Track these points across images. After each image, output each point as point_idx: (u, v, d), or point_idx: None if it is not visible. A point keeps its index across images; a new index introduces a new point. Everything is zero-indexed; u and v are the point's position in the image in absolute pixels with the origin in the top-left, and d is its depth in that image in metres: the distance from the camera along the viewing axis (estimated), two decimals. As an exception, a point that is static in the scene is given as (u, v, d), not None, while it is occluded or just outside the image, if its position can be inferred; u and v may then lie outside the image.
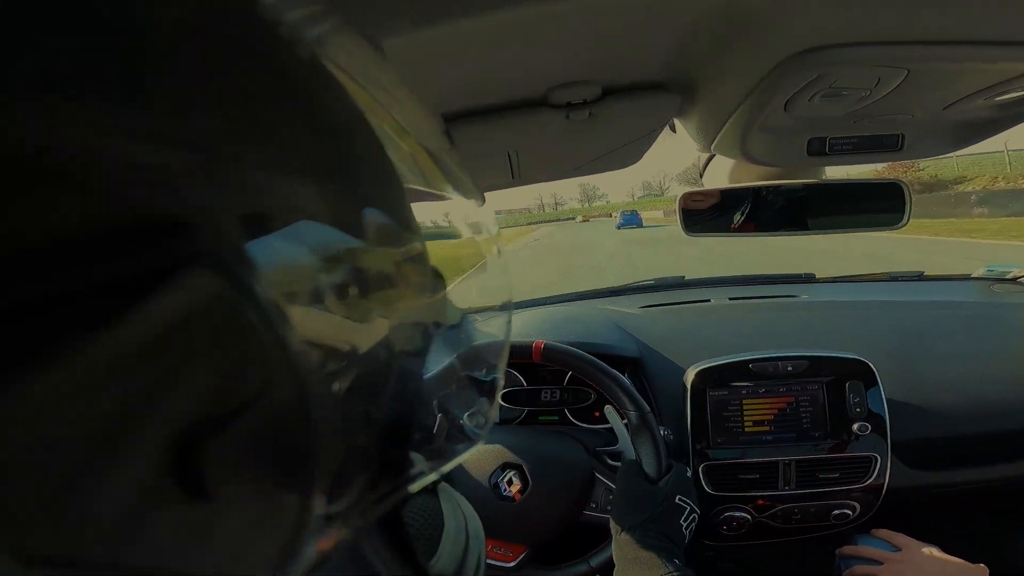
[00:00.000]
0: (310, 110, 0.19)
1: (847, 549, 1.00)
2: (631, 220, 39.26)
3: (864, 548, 0.96)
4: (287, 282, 0.16)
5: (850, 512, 1.06)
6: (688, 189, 0.95)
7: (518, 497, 0.89)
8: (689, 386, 1.08)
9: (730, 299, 1.49)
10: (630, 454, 0.88)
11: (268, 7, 0.17)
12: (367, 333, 0.20)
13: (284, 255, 0.17)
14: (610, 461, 0.97)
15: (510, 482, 0.91)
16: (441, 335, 0.25)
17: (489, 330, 0.29)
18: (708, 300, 1.49)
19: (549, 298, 1.74)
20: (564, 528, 0.93)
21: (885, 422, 1.04)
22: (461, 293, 0.28)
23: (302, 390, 0.16)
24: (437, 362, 0.26)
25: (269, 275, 0.15)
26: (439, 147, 0.26)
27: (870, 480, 1.04)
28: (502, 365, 0.29)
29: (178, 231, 0.13)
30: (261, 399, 0.15)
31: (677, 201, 0.95)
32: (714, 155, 0.93)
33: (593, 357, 0.95)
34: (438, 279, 0.25)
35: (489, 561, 0.92)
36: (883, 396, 1.06)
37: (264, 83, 0.17)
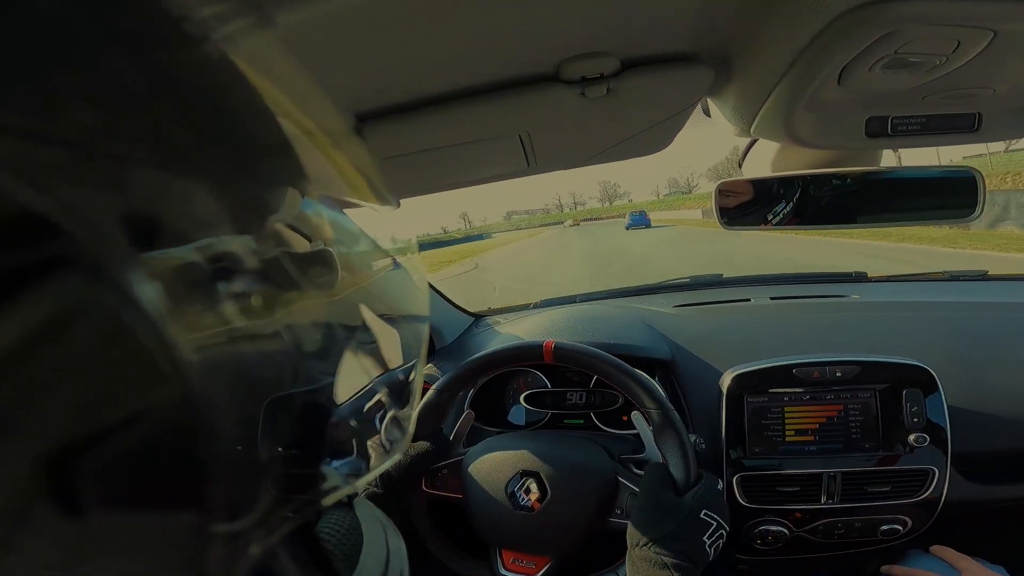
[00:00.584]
0: (205, 108, 0.18)
1: (895, 570, 0.92)
2: (639, 221, 39.87)
3: (915, 572, 0.88)
4: (173, 286, 0.15)
5: (900, 528, 0.98)
6: (724, 180, 0.85)
7: (537, 506, 0.83)
8: (725, 391, 1.01)
9: (772, 299, 1.38)
10: (657, 460, 0.82)
11: (169, 2, 0.17)
12: (266, 340, 0.19)
13: (170, 258, 0.16)
14: (635, 469, 0.90)
15: (528, 490, 0.85)
16: (350, 340, 0.24)
17: (405, 335, 0.28)
18: (748, 299, 1.38)
19: (577, 296, 1.67)
20: (588, 537, 0.86)
21: (946, 432, 0.95)
22: (372, 297, 0.26)
23: (190, 402, 0.16)
24: (347, 370, 0.24)
25: (152, 279, 0.15)
26: (350, 149, 0.25)
27: (925, 494, 0.96)
28: (419, 373, 0.28)
29: (46, 231, 0.13)
30: (142, 412, 0.15)
31: (712, 192, 0.85)
32: (755, 141, 0.84)
33: (610, 355, 0.88)
34: (345, 282, 0.24)
35: (511, 575, 0.87)
36: (944, 404, 0.96)
37: (153, 80, 0.16)
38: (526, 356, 0.91)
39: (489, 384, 1.25)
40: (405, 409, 0.28)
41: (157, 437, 0.15)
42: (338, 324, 0.24)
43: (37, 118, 0.13)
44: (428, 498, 0.91)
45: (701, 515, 0.74)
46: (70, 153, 0.14)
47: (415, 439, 0.93)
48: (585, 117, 0.63)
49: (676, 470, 0.78)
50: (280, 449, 0.21)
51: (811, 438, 0.99)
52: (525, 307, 1.70)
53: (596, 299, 1.64)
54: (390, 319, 0.27)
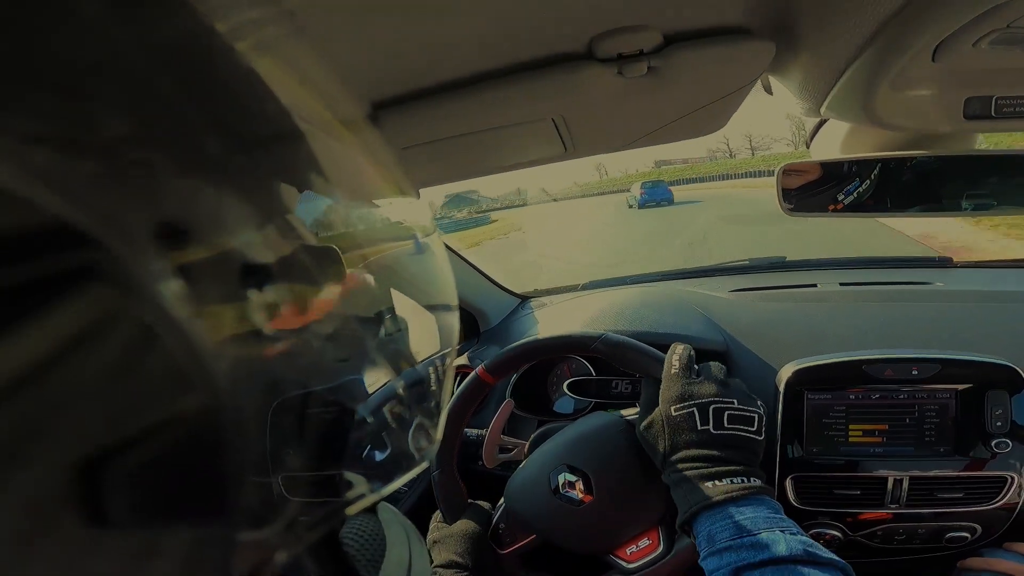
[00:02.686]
0: (232, 113, 0.18)
1: (973, 561, 0.86)
2: (657, 194, 25.70)
3: (997, 561, 0.83)
4: (203, 295, 0.15)
5: (968, 535, 0.90)
6: (790, 161, 0.76)
7: (587, 499, 0.77)
8: (783, 385, 0.93)
9: (841, 284, 1.25)
10: None
11: (197, 8, 0.16)
12: (294, 348, 0.19)
13: (201, 267, 0.15)
14: None
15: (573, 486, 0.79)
16: (376, 349, 0.24)
17: (433, 341, 0.27)
18: (814, 285, 1.26)
19: (628, 278, 1.59)
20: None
21: None
22: (400, 301, 0.26)
23: (218, 411, 0.16)
24: (374, 378, 0.24)
25: (182, 288, 0.15)
26: (372, 143, 0.24)
27: (1000, 501, 0.88)
28: (448, 381, 0.28)
29: (78, 241, 0.13)
30: (170, 420, 0.15)
31: (776, 175, 0.76)
32: (826, 120, 0.73)
33: (531, 339, 0.87)
34: (373, 288, 0.24)
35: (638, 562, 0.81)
36: None
37: (183, 87, 0.16)
38: (468, 391, 0.88)
39: (532, 371, 1.22)
40: (432, 416, 0.27)
41: (185, 445, 0.15)
42: (365, 332, 0.24)
43: (69, 128, 0.13)
44: (513, 558, 0.84)
45: (673, 413, 0.67)
46: (102, 162, 0.13)
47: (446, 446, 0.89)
48: (624, 98, 0.56)
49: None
50: (306, 457, 0.21)
51: (878, 439, 0.91)
52: (573, 288, 1.64)
53: (647, 281, 1.55)
54: (417, 322, 0.27)
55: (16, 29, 0.12)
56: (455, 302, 0.28)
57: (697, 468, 0.63)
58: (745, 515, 0.57)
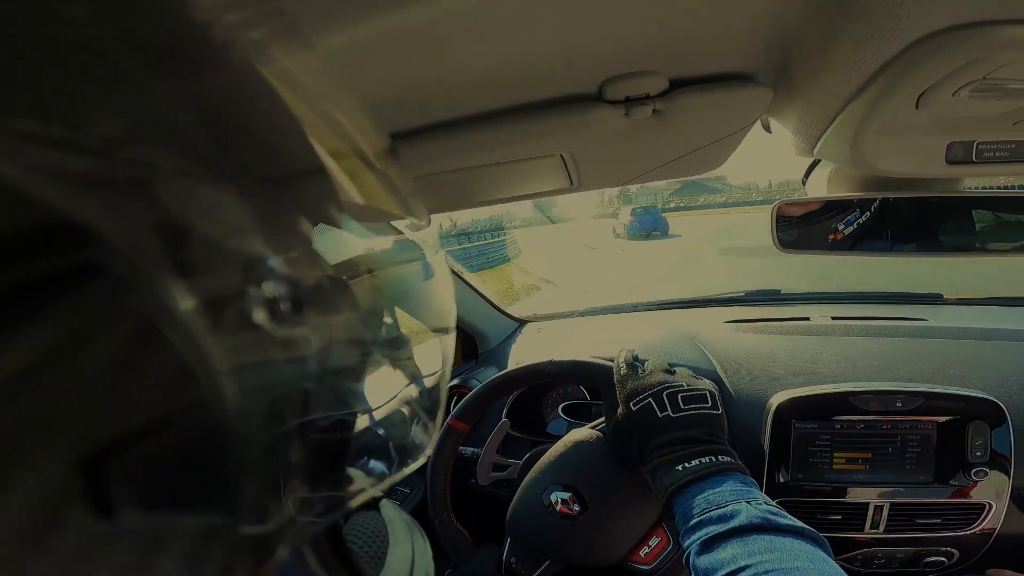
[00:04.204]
0: (234, 119, 0.18)
1: (1003, 573, 0.89)
2: (648, 223, 22.13)
3: None
4: (204, 292, 0.15)
5: (945, 560, 0.94)
6: (785, 198, 0.79)
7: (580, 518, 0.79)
8: (772, 414, 0.96)
9: (833, 319, 1.29)
10: None
11: (197, 8, 0.17)
12: (294, 346, 0.19)
13: (205, 266, 0.16)
14: None
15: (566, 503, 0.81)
16: (378, 347, 0.24)
17: (433, 343, 0.28)
18: (807, 318, 1.29)
19: (624, 306, 1.62)
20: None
21: (1010, 466, 0.91)
22: (402, 309, 0.27)
23: (221, 406, 0.16)
24: (375, 378, 0.24)
25: (183, 285, 0.15)
26: (383, 163, 0.25)
27: (978, 527, 0.92)
28: (445, 380, 0.29)
29: (77, 238, 0.13)
30: (174, 416, 0.15)
31: (771, 211, 0.80)
32: (819, 160, 0.77)
33: (494, 377, 0.93)
34: (375, 293, 0.24)
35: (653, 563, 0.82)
36: (1012, 437, 0.91)
37: (181, 90, 0.16)
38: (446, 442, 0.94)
39: (528, 393, 1.24)
40: (431, 413, 0.28)
41: (189, 440, 0.15)
42: (366, 332, 0.24)
43: (65, 127, 0.13)
44: None
45: (633, 409, 0.70)
46: (99, 161, 0.13)
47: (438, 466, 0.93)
48: (629, 137, 0.60)
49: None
50: (308, 452, 0.21)
51: (861, 467, 0.95)
52: (570, 314, 1.67)
53: (644, 310, 1.59)
54: (418, 328, 0.28)
55: (12, 28, 0.13)
56: (453, 321, 0.30)
57: (667, 454, 0.65)
58: (714, 490, 0.59)
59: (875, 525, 0.93)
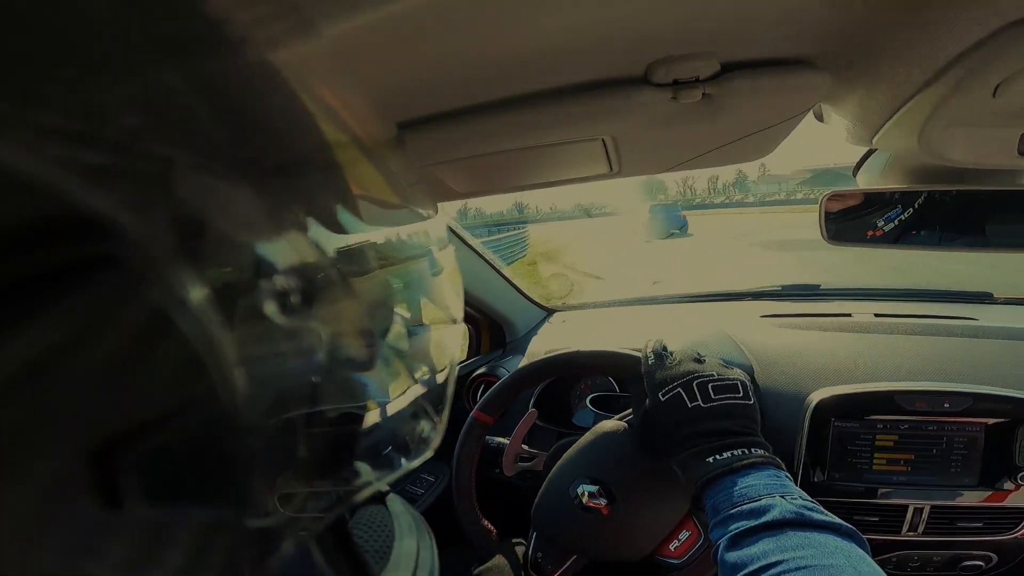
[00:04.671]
0: (250, 110, 0.18)
1: None
2: (668, 222, 21.17)
3: None
4: (218, 285, 0.16)
5: (983, 564, 0.93)
6: (835, 189, 0.76)
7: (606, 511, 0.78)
8: (810, 411, 0.94)
9: (876, 316, 1.24)
10: None
11: (209, 4, 0.17)
12: (307, 343, 0.19)
13: (219, 261, 0.16)
14: None
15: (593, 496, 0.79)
16: (385, 341, 0.24)
17: (440, 338, 0.29)
18: (848, 315, 1.25)
19: (656, 297, 1.59)
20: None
21: None
22: (409, 303, 0.27)
23: (231, 399, 0.16)
24: (382, 371, 0.24)
25: (198, 278, 0.15)
26: (390, 156, 0.26)
27: (1019, 532, 0.89)
28: (451, 375, 0.29)
29: (94, 229, 0.13)
30: (185, 408, 0.15)
31: (820, 202, 0.76)
32: (874, 149, 0.74)
33: (516, 370, 0.92)
34: (385, 289, 0.24)
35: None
36: None
37: (199, 82, 0.16)
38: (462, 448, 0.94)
39: (555, 383, 1.23)
40: (438, 407, 0.28)
41: (198, 432, 0.16)
42: (374, 325, 0.24)
43: (82, 121, 0.13)
44: None
45: (662, 399, 0.67)
46: (116, 154, 0.14)
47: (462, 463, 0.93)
48: (676, 122, 0.57)
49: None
50: (315, 445, 0.21)
51: (903, 468, 0.92)
52: (599, 304, 1.64)
53: (674, 301, 1.55)
54: (425, 321, 0.28)
55: (32, 21, 0.13)
56: (460, 314, 0.30)
57: (697, 445, 0.63)
58: (746, 483, 0.57)
59: (913, 527, 0.91)
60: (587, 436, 0.84)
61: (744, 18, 0.43)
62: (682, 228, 21.82)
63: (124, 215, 0.13)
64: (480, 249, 1.38)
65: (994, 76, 0.40)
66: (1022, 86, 0.42)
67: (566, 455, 0.84)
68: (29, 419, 0.12)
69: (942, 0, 0.36)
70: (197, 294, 0.15)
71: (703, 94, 0.51)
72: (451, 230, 1.28)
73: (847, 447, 0.93)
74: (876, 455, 0.93)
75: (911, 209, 0.75)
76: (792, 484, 0.58)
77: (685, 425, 0.65)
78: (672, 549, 0.76)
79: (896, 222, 0.77)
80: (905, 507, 0.90)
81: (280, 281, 0.18)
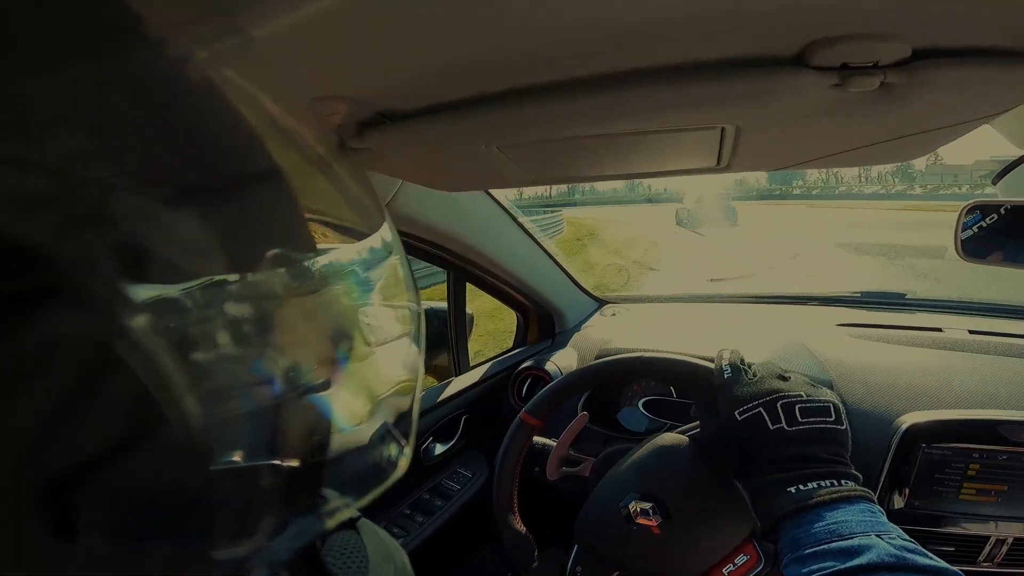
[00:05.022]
0: (194, 134, 0.18)
1: None
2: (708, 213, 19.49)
3: None
4: (163, 315, 0.15)
5: None
6: (979, 200, 0.65)
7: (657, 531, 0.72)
8: (899, 434, 0.88)
9: (971, 332, 1.12)
10: None
11: (151, 24, 0.16)
12: (263, 368, 0.19)
13: (163, 288, 0.16)
14: None
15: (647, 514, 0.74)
16: (344, 366, 0.23)
17: (402, 358, 0.27)
18: (939, 329, 1.14)
19: (715, 295, 1.48)
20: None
21: None
22: (370, 320, 0.26)
23: (186, 431, 0.15)
24: (345, 395, 0.23)
25: (142, 308, 0.15)
26: (335, 165, 0.25)
27: None
28: (417, 390, 0.28)
29: (31, 261, 0.13)
30: (136, 439, 0.15)
31: (959, 212, 0.66)
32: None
33: (579, 371, 0.85)
34: (337, 307, 0.24)
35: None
36: None
37: (139, 105, 0.16)
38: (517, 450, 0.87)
39: (606, 386, 1.16)
40: (403, 428, 0.27)
41: (154, 464, 0.15)
42: (329, 346, 0.23)
43: (15, 145, 0.13)
44: None
45: (739, 418, 0.61)
46: (52, 180, 0.13)
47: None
48: (832, 113, 0.47)
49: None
50: (279, 474, 0.20)
51: (993, 499, 0.87)
52: (655, 298, 1.55)
53: (738, 301, 1.45)
54: (381, 338, 0.27)
55: None
56: (419, 327, 0.29)
57: (778, 473, 0.56)
58: (836, 518, 0.50)
59: (990, 559, 0.86)
60: (644, 448, 0.78)
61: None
62: (731, 219, 20.56)
63: (60, 245, 0.13)
64: (533, 232, 1.29)
65: None
66: None
67: (617, 466, 0.79)
68: None
69: None
70: (141, 323, 0.14)
71: (882, 83, 0.41)
72: (503, 207, 1.19)
73: (935, 475, 0.88)
74: (966, 484, 0.87)
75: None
76: (889, 522, 0.51)
77: (765, 449, 0.58)
78: (726, 573, 0.70)
79: None
80: (987, 538, 0.85)
81: (230, 309, 0.17)
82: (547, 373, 1.26)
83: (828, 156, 0.57)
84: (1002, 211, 0.67)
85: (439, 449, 1.19)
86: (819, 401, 0.60)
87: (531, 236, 1.27)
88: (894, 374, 1.00)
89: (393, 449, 0.27)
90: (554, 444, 0.91)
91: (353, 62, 0.44)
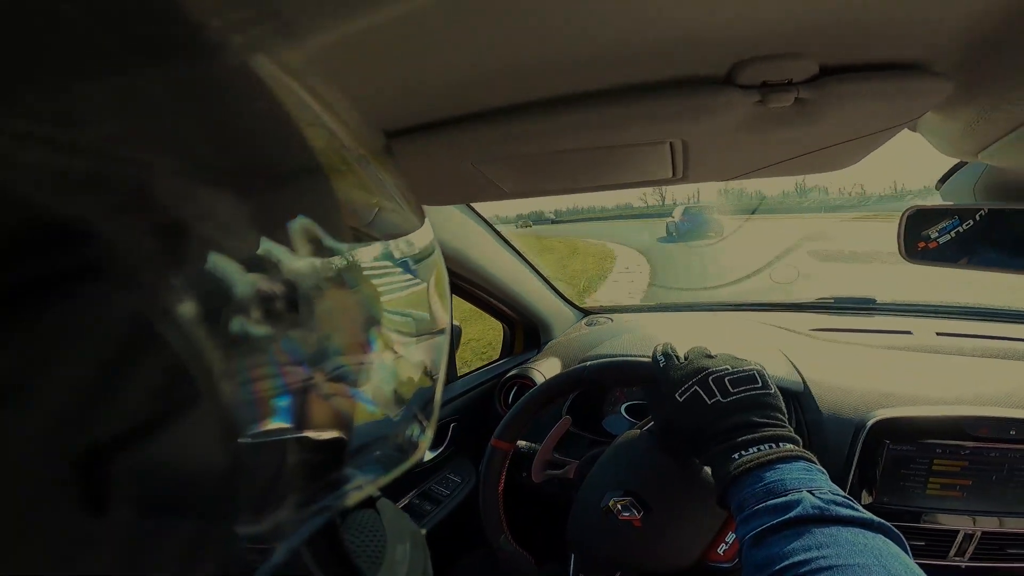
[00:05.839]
0: (232, 117, 0.18)
1: None
2: (700, 225, 20.32)
3: None
4: (202, 293, 0.15)
5: None
6: (918, 204, 0.69)
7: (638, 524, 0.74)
8: (865, 432, 0.92)
9: (938, 334, 1.17)
10: None
11: (189, 8, 0.17)
12: (293, 348, 0.19)
13: (201, 267, 0.16)
14: None
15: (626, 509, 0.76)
16: (374, 347, 0.24)
17: (426, 347, 0.28)
18: (909, 332, 1.18)
19: (696, 304, 1.53)
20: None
21: None
22: (396, 310, 0.26)
23: (218, 408, 0.16)
24: (370, 376, 0.24)
25: (182, 287, 0.15)
26: (379, 162, 0.26)
27: None
28: (440, 379, 0.29)
29: (73, 238, 0.13)
30: (171, 416, 0.15)
31: (901, 217, 0.70)
32: (964, 162, 0.67)
33: (531, 393, 0.86)
34: (371, 294, 0.24)
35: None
36: None
37: (176, 89, 0.16)
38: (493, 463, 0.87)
39: (588, 391, 1.20)
40: (426, 412, 0.28)
41: (183, 441, 0.15)
42: (362, 332, 0.23)
43: (60, 127, 0.13)
44: None
45: (679, 400, 0.64)
46: (95, 161, 0.13)
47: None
48: (760, 127, 0.52)
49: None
50: (304, 452, 0.20)
51: (957, 494, 0.91)
52: (638, 308, 1.59)
53: (718, 309, 1.49)
54: (413, 329, 0.27)
55: (5, 26, 0.12)
56: (446, 324, 0.30)
57: (724, 442, 0.59)
58: (773, 478, 0.53)
59: (961, 552, 0.90)
60: (609, 448, 0.81)
61: (851, 18, 0.38)
62: (711, 229, 20.46)
63: (103, 223, 0.13)
64: (518, 247, 1.33)
65: None
66: None
67: (592, 470, 0.81)
68: (10, 429, 0.12)
69: None
70: (180, 303, 0.15)
71: (796, 98, 0.46)
72: (488, 224, 1.24)
73: (900, 470, 0.91)
74: (932, 479, 0.91)
75: (1008, 237, 0.68)
76: (824, 478, 0.53)
77: (708, 424, 0.61)
78: (721, 553, 0.72)
79: (989, 254, 0.71)
80: (955, 532, 0.89)
81: (266, 289, 0.18)
82: (532, 381, 1.29)
83: (770, 166, 0.61)
84: (978, 217, 0.71)
85: (429, 455, 1.23)
86: (744, 371, 0.63)
87: (514, 249, 1.32)
88: (865, 376, 1.04)
89: (415, 431, 0.27)
90: (539, 448, 0.94)
91: (343, 88, 0.49)
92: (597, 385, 0.82)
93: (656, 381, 0.69)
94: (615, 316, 1.53)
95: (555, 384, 0.86)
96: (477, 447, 1.26)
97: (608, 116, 0.53)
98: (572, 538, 0.79)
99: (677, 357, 0.70)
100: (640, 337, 1.29)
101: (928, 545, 0.90)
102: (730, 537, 0.72)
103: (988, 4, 0.35)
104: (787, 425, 0.60)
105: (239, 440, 0.17)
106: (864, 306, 1.37)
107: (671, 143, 0.59)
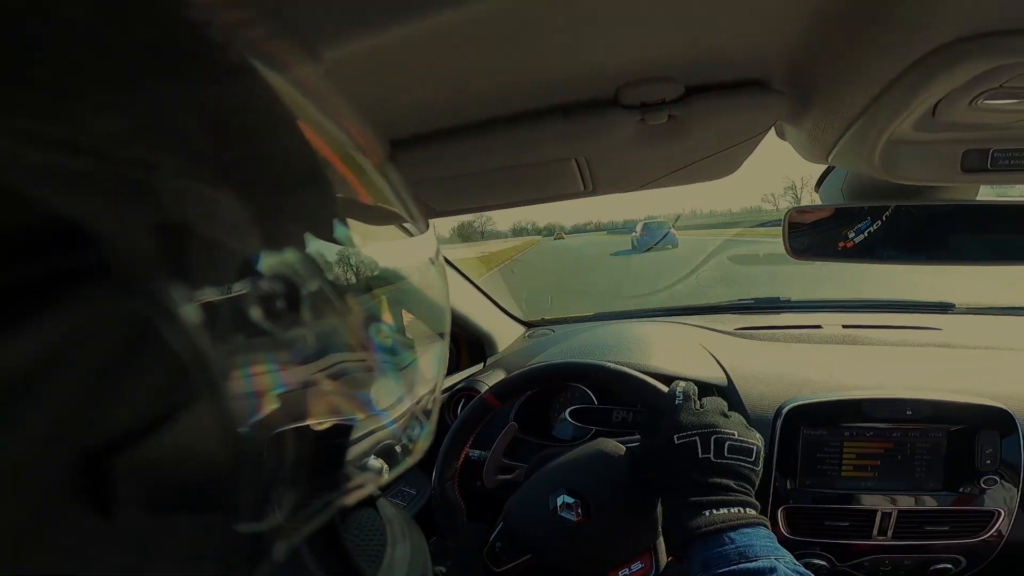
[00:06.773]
0: (236, 118, 0.18)
1: None
2: (659, 235, 20.78)
3: None
4: (204, 295, 0.16)
5: (952, 566, 0.96)
6: (799, 206, 0.79)
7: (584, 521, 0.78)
8: (780, 420, 0.98)
9: (844, 327, 1.28)
10: None
11: (193, 7, 0.17)
12: (294, 349, 0.19)
13: (203, 268, 0.16)
14: None
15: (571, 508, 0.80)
16: (375, 350, 0.25)
17: (427, 348, 0.29)
18: (818, 326, 1.29)
19: (633, 312, 1.62)
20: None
21: (1019, 473, 0.92)
22: (398, 312, 0.27)
23: (220, 408, 0.16)
24: (371, 378, 0.25)
25: (184, 287, 0.15)
26: (381, 167, 0.26)
27: (986, 535, 0.94)
28: (439, 383, 0.29)
29: (76, 239, 0.13)
30: (172, 416, 0.15)
31: (784, 218, 0.80)
32: (833, 167, 0.78)
33: (549, 364, 0.91)
34: (372, 296, 0.24)
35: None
36: (1022, 445, 0.93)
37: (180, 91, 0.16)
38: (474, 417, 0.92)
39: (536, 396, 1.24)
40: (427, 413, 0.28)
41: (186, 440, 0.15)
42: (363, 333, 0.24)
43: (64, 127, 0.13)
44: None
45: (676, 441, 0.68)
46: (99, 162, 0.13)
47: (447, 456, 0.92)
48: (645, 143, 0.60)
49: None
50: (305, 452, 0.21)
51: (870, 474, 0.97)
52: (579, 319, 1.67)
53: (653, 316, 1.58)
54: (414, 331, 0.28)
55: (11, 28, 0.12)
56: (447, 326, 0.30)
57: (696, 496, 0.64)
58: (742, 542, 0.58)
59: (882, 531, 0.95)
60: (583, 449, 0.84)
61: (704, 45, 0.46)
62: (672, 242, 21.75)
63: (105, 224, 0.13)
64: (456, 264, 1.39)
65: (932, 95, 0.43)
66: (960, 105, 0.45)
67: (555, 462, 0.85)
68: (16, 429, 0.12)
69: (891, 24, 0.39)
70: (182, 303, 0.15)
71: (669, 115, 0.54)
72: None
73: (816, 454, 0.97)
74: (845, 461, 0.97)
75: (879, 222, 0.78)
76: (782, 548, 0.59)
77: (688, 473, 0.66)
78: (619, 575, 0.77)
79: (865, 234, 0.80)
80: (874, 512, 0.94)
81: (267, 289, 0.18)
82: (479, 393, 1.33)
83: (662, 177, 0.70)
84: (885, 217, 0.80)
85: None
86: (746, 443, 0.68)
87: (453, 267, 1.37)
88: (780, 367, 1.12)
89: (415, 431, 0.28)
90: (488, 455, 0.98)
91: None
92: (601, 384, 0.87)
93: (662, 413, 0.73)
94: (557, 327, 1.60)
95: (566, 367, 0.91)
96: (430, 458, 1.29)
97: (522, 137, 0.60)
98: (509, 512, 0.83)
99: (695, 401, 0.73)
100: (576, 344, 1.35)
101: (852, 526, 0.95)
102: (636, 566, 0.77)
103: (799, 25, 0.43)
104: (753, 496, 0.66)
105: (239, 439, 0.17)
106: (780, 305, 1.49)
107: (576, 159, 0.66)
